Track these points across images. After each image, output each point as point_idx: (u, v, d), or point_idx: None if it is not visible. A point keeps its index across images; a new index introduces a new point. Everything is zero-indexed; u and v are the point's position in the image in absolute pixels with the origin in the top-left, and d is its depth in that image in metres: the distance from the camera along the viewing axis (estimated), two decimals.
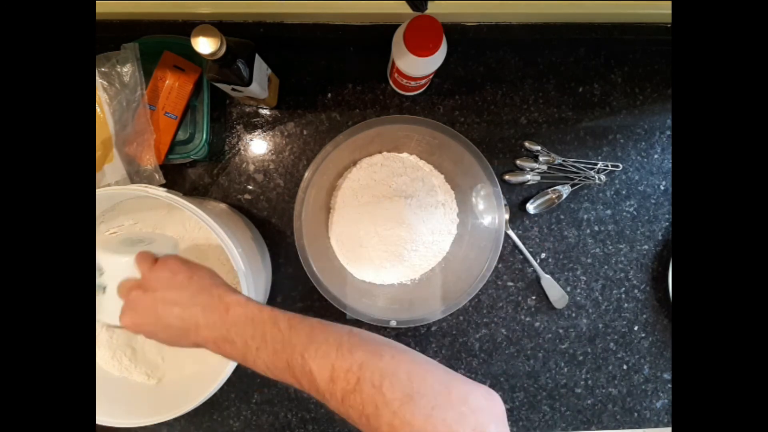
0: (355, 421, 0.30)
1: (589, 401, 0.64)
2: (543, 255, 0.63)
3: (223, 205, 0.58)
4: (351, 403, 0.30)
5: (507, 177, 0.62)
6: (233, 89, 0.52)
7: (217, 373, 0.48)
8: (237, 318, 0.36)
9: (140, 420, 0.49)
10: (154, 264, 0.40)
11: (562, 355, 0.64)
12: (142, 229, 0.56)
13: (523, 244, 0.62)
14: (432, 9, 0.41)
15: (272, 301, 0.61)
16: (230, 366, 0.47)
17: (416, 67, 0.51)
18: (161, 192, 0.46)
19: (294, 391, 0.62)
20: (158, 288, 0.38)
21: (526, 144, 0.62)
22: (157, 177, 0.56)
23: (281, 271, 0.61)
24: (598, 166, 0.62)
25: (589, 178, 0.62)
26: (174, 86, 0.56)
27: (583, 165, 0.62)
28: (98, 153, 0.55)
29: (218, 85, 0.51)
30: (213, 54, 0.42)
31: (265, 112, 0.62)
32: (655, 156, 0.63)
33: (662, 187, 0.63)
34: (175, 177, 0.61)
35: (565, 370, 0.64)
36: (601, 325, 0.64)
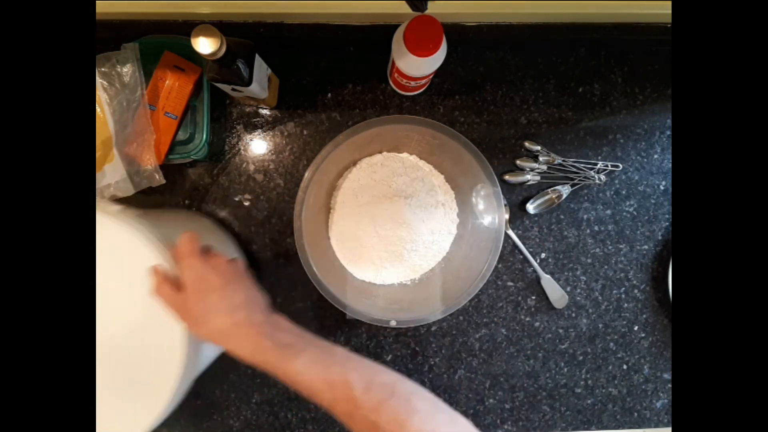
0: (383, 427, 0.35)
1: (589, 401, 0.64)
2: (543, 255, 0.63)
3: (207, 220, 0.58)
4: (385, 410, 0.35)
5: (507, 177, 0.62)
6: (233, 89, 0.52)
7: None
8: (282, 325, 0.42)
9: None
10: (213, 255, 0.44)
11: (561, 355, 0.64)
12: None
13: (523, 244, 0.62)
14: (432, 9, 0.41)
15: (272, 301, 0.61)
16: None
17: (416, 67, 0.51)
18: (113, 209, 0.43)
19: (294, 391, 0.62)
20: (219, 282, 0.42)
21: (526, 144, 0.62)
22: (157, 177, 0.56)
23: (281, 271, 0.61)
24: (598, 166, 0.62)
25: (589, 178, 0.62)
26: (174, 86, 0.56)
27: (583, 165, 0.62)
28: (98, 153, 0.55)
29: (218, 85, 0.51)
30: (213, 54, 0.42)
31: (265, 112, 0.62)
32: (655, 156, 0.63)
33: (662, 187, 0.63)
34: (175, 177, 0.61)
35: (565, 370, 0.64)
36: (600, 325, 0.64)
